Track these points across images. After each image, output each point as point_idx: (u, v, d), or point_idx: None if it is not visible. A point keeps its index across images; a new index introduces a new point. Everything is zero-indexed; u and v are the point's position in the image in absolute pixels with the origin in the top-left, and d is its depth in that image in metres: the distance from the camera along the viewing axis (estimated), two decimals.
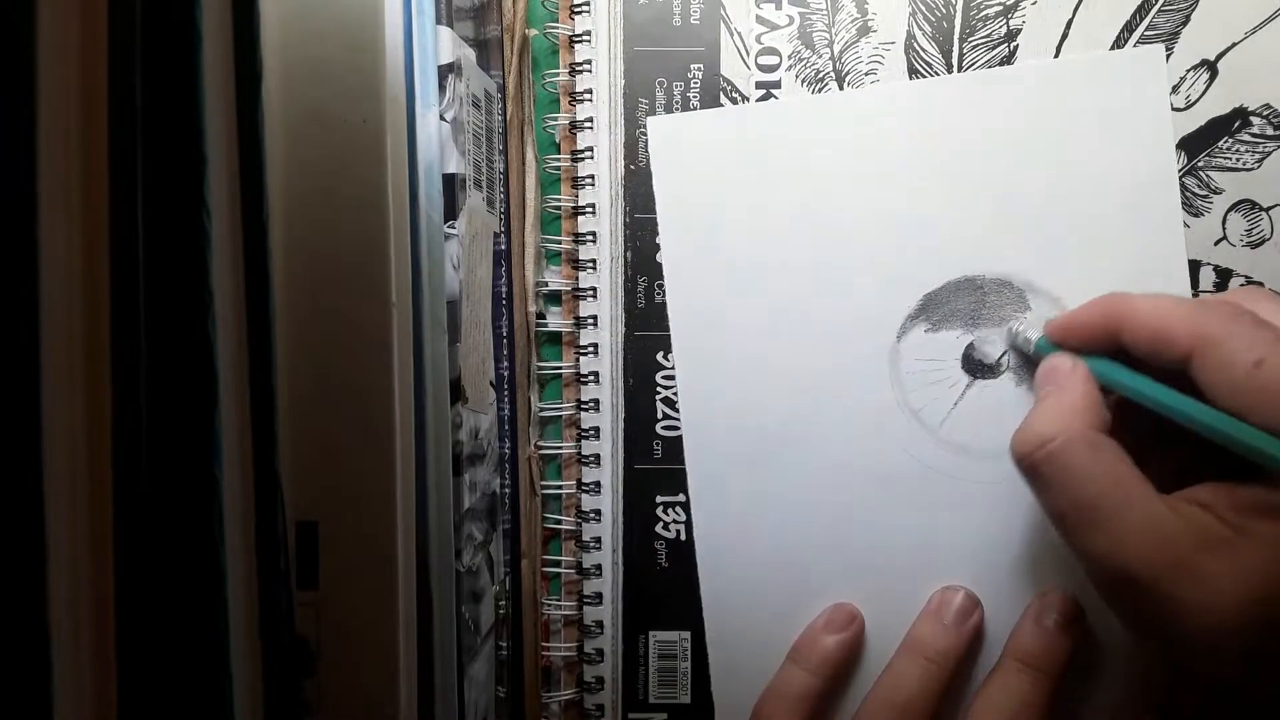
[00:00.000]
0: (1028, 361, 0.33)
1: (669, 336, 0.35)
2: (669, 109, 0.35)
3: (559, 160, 0.36)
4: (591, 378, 0.36)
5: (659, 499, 0.36)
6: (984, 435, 0.34)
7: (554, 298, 0.36)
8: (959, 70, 0.35)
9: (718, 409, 0.35)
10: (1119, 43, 0.34)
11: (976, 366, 0.34)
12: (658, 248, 0.35)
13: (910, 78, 0.35)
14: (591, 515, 0.36)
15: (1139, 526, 0.26)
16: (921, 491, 0.34)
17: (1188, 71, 0.34)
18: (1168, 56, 0.34)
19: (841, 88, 0.35)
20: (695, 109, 0.35)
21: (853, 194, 0.34)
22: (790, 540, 0.35)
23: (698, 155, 0.35)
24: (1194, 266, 0.34)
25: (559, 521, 0.36)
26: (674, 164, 0.35)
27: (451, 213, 0.31)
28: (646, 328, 0.36)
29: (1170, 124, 0.34)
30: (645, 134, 0.36)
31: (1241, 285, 0.34)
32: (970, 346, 0.34)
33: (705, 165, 0.35)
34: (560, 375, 0.36)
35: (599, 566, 0.36)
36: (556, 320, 0.36)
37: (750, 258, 0.35)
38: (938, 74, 0.35)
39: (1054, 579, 0.33)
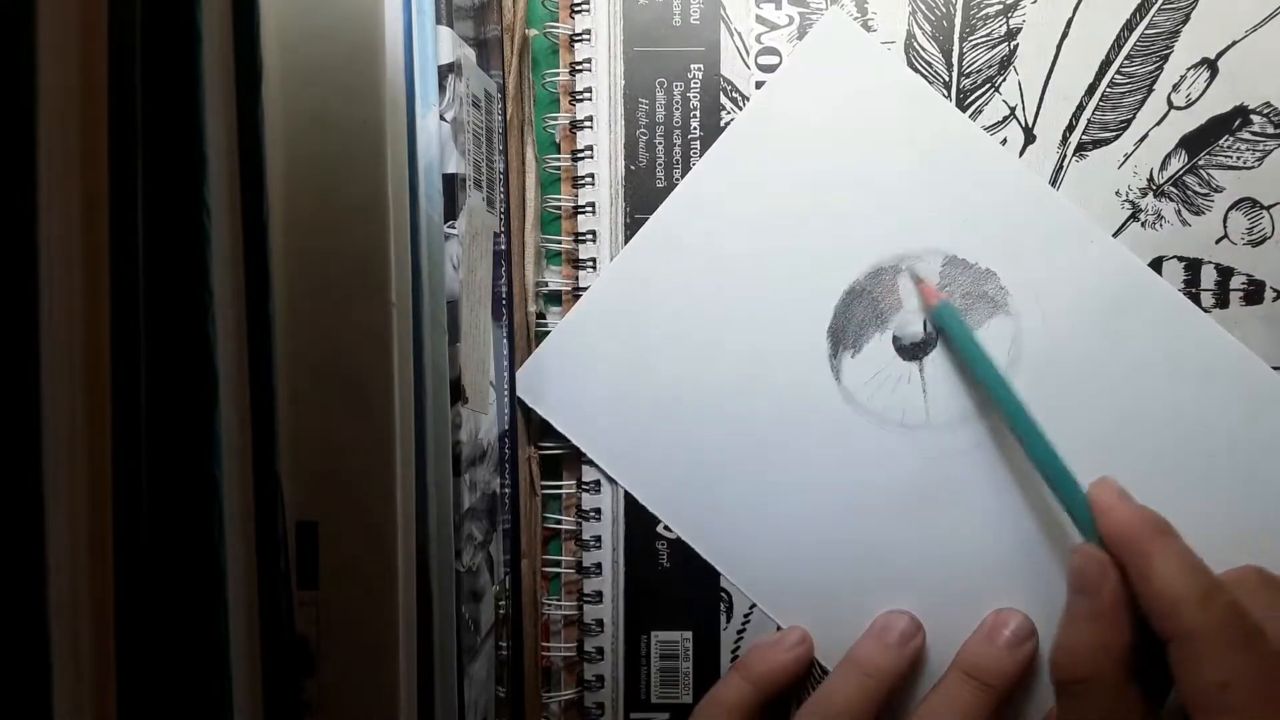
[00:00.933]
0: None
1: None
2: (669, 109, 0.35)
3: (559, 160, 0.36)
4: None
5: None
6: (963, 397, 0.34)
7: (554, 298, 0.36)
8: (960, 71, 0.35)
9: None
10: (1119, 42, 0.34)
11: (913, 349, 0.34)
12: None
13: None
14: (592, 514, 0.36)
15: None
16: (928, 495, 0.34)
17: (1188, 70, 0.34)
18: (1168, 55, 0.34)
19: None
20: (695, 109, 0.35)
21: (722, 285, 0.35)
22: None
23: (569, 370, 0.35)
24: (1195, 265, 0.34)
25: (559, 521, 0.36)
26: (555, 395, 0.35)
27: (451, 213, 0.31)
28: None
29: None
30: (643, 130, 0.36)
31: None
32: (895, 338, 0.34)
33: (581, 370, 0.35)
34: None
35: (599, 565, 0.36)
36: (556, 320, 0.36)
37: (671, 401, 0.35)
38: (939, 75, 0.35)
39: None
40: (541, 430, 0.36)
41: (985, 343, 0.33)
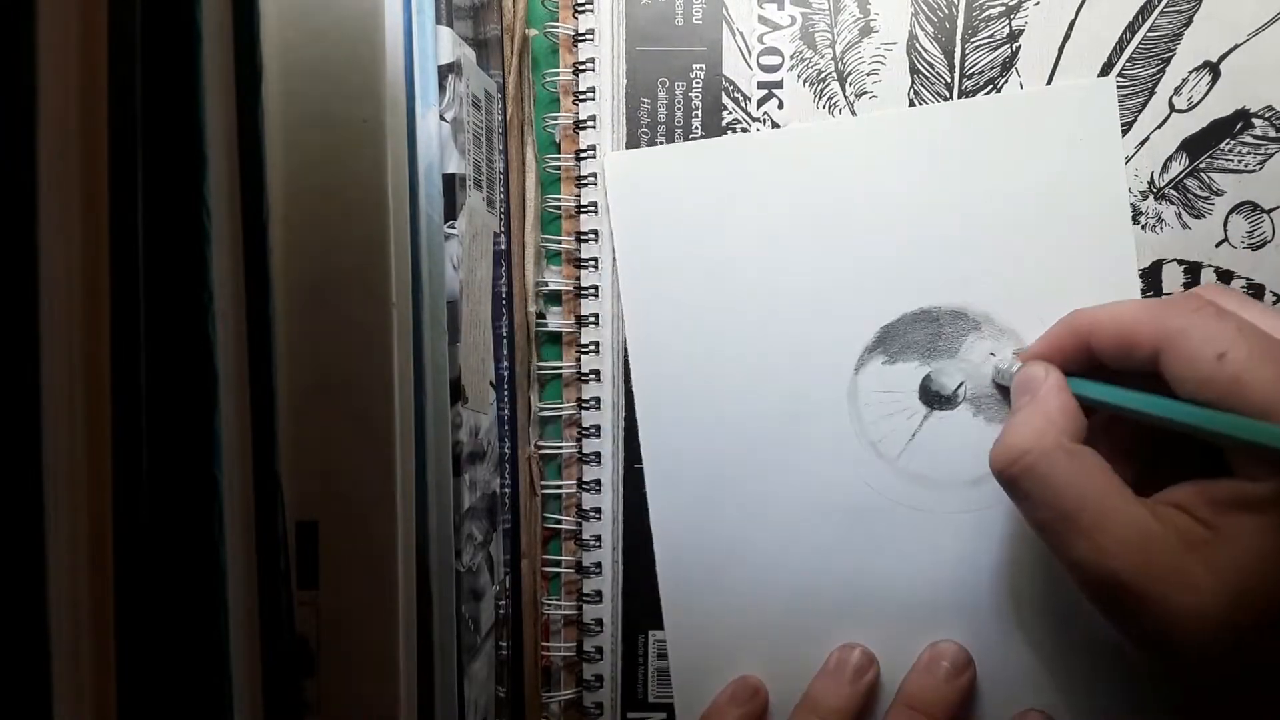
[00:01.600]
0: (1008, 397, 0.34)
1: None
2: (671, 109, 0.35)
3: (559, 160, 0.36)
4: (593, 376, 0.36)
5: None
6: (941, 466, 0.34)
7: (554, 297, 0.36)
8: (962, 72, 0.35)
9: (677, 444, 0.35)
10: (1122, 44, 0.34)
11: (934, 398, 0.34)
12: None
13: (912, 79, 0.35)
14: (592, 513, 0.36)
15: (1120, 533, 0.26)
16: (880, 524, 0.34)
17: (1190, 73, 0.34)
18: (1170, 58, 0.34)
19: (844, 88, 0.35)
20: (697, 109, 0.35)
21: (808, 228, 0.35)
22: (749, 574, 0.35)
23: (655, 191, 0.35)
24: (1195, 269, 0.34)
25: (559, 521, 0.36)
26: (631, 201, 0.35)
27: (451, 213, 0.31)
28: None
29: (1121, 154, 0.34)
30: (644, 130, 0.35)
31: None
32: (927, 378, 0.34)
33: (662, 201, 0.35)
34: (560, 375, 0.36)
35: (599, 564, 0.36)
36: (557, 320, 0.36)
37: (707, 292, 0.35)
38: (940, 76, 0.35)
39: (1020, 614, 0.34)
40: (540, 428, 0.36)
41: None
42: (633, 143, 0.35)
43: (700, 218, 0.35)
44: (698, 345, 0.35)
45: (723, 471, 0.35)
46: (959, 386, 0.34)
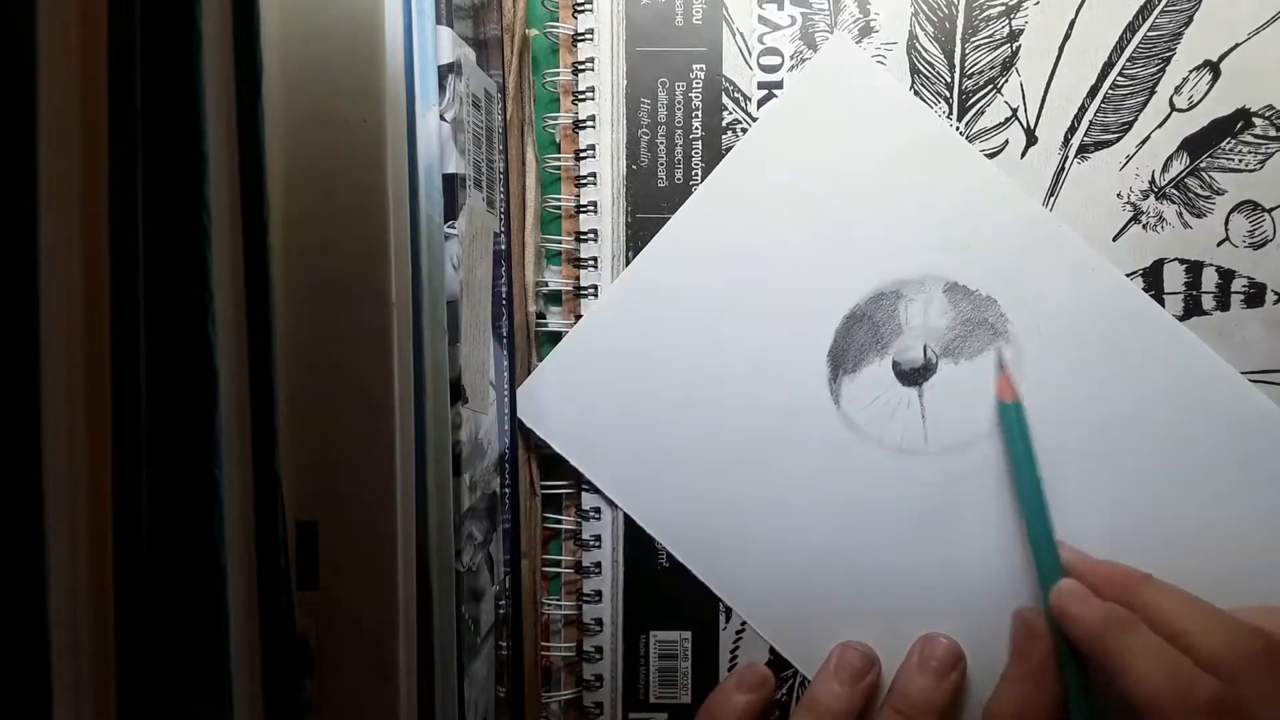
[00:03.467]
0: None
1: None
2: (671, 109, 0.35)
3: (559, 160, 0.36)
4: None
5: None
6: (962, 426, 0.34)
7: (554, 297, 0.36)
8: (962, 72, 0.35)
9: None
10: (1122, 43, 0.34)
11: (913, 374, 0.34)
12: None
13: (913, 78, 0.35)
14: (592, 513, 0.36)
15: None
16: (946, 513, 0.34)
17: (1190, 72, 0.34)
18: (1170, 57, 0.34)
19: None
20: (697, 109, 0.35)
21: (722, 311, 0.35)
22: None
23: (568, 392, 0.35)
24: (1196, 267, 0.34)
25: (559, 521, 0.36)
26: (554, 415, 0.35)
27: (451, 213, 0.31)
28: None
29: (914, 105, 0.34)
30: (644, 130, 0.35)
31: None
32: (895, 363, 0.34)
33: (579, 392, 0.35)
34: None
35: (598, 564, 0.36)
36: (557, 320, 0.36)
37: (670, 425, 0.35)
38: (940, 75, 0.35)
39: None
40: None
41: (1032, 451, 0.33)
42: (633, 143, 0.35)
43: (620, 381, 0.35)
44: (685, 485, 0.35)
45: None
46: (925, 351, 0.34)
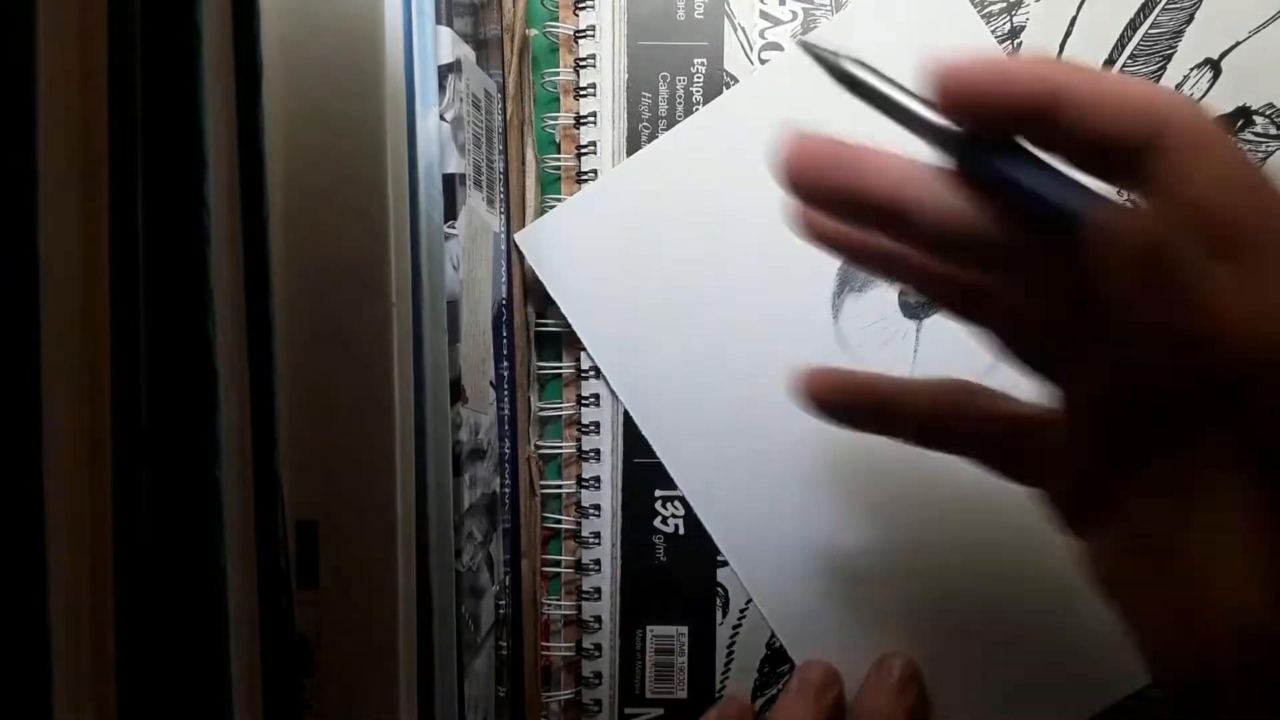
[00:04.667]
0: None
1: None
2: (671, 104, 0.35)
3: (559, 159, 0.36)
4: (592, 373, 0.36)
5: (657, 493, 0.36)
6: (955, 367, 0.34)
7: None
8: None
9: (679, 452, 0.35)
10: (1123, 41, 0.34)
11: (916, 308, 0.34)
12: None
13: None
14: (591, 511, 0.36)
15: None
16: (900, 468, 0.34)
17: (1191, 70, 0.34)
18: (1171, 55, 0.34)
19: None
20: (698, 104, 0.35)
21: (738, 204, 0.34)
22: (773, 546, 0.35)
23: (575, 243, 0.35)
24: None
25: (559, 521, 0.36)
26: (557, 261, 0.35)
27: (451, 213, 0.31)
28: None
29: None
30: (645, 124, 0.35)
31: None
32: (901, 292, 0.34)
33: (586, 248, 0.35)
34: (560, 375, 0.36)
35: (598, 562, 0.36)
36: (557, 320, 0.36)
37: (667, 303, 0.35)
38: None
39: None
40: (540, 427, 0.36)
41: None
42: (634, 137, 0.35)
43: (630, 246, 0.35)
44: (675, 358, 0.35)
45: (729, 450, 0.35)
46: None
